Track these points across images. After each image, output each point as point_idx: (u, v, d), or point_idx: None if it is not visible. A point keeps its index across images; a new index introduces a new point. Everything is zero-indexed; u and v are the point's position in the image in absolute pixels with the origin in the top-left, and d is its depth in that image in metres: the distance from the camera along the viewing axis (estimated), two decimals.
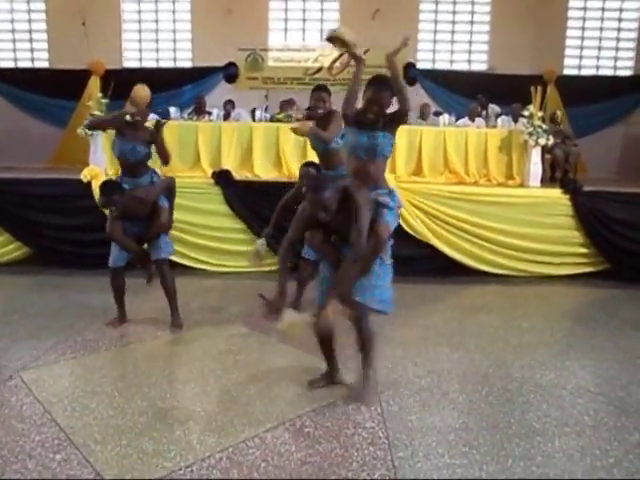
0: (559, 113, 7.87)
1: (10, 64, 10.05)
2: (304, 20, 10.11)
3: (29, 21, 10.00)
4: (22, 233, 5.54)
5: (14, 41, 10.07)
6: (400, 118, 2.75)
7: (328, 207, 2.58)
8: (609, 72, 10.12)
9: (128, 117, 3.68)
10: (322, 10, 10.08)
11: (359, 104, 2.86)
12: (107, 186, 3.69)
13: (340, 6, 9.94)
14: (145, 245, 3.90)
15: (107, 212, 3.86)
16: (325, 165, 3.86)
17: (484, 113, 7.82)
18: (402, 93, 2.72)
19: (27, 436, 2.41)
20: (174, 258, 4.69)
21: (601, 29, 10.06)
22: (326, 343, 2.84)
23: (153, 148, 3.81)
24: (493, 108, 8.11)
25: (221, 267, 5.55)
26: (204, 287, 5.01)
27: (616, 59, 10.13)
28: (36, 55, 10.08)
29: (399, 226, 5.27)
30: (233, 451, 2.33)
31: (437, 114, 7.85)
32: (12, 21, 10.01)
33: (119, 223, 3.67)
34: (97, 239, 5.27)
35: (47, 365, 3.21)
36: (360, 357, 2.91)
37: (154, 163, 3.97)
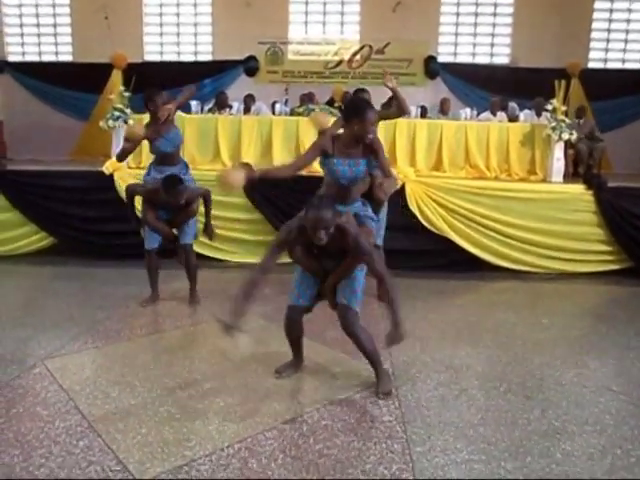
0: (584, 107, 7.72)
1: (35, 58, 10.24)
2: (324, 13, 10.03)
3: (54, 15, 10.15)
4: (47, 223, 5.65)
5: (39, 35, 10.25)
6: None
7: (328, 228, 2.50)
8: (635, 66, 9.88)
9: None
10: (343, 3, 9.99)
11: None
12: (173, 179, 3.88)
13: None
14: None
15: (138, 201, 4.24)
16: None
17: (503, 115, 7.59)
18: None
19: (52, 423, 2.47)
20: (195, 249, 4.79)
21: (628, 21, 9.83)
22: (296, 340, 2.98)
23: None
24: (513, 107, 7.92)
25: (240, 257, 5.59)
26: (224, 279, 5.05)
27: None
28: (60, 49, 10.23)
29: (418, 221, 5.33)
30: (252, 442, 2.36)
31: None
32: (37, 15, 10.17)
33: (152, 209, 4.00)
34: (119, 230, 5.39)
35: (70, 354, 3.28)
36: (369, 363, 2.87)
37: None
